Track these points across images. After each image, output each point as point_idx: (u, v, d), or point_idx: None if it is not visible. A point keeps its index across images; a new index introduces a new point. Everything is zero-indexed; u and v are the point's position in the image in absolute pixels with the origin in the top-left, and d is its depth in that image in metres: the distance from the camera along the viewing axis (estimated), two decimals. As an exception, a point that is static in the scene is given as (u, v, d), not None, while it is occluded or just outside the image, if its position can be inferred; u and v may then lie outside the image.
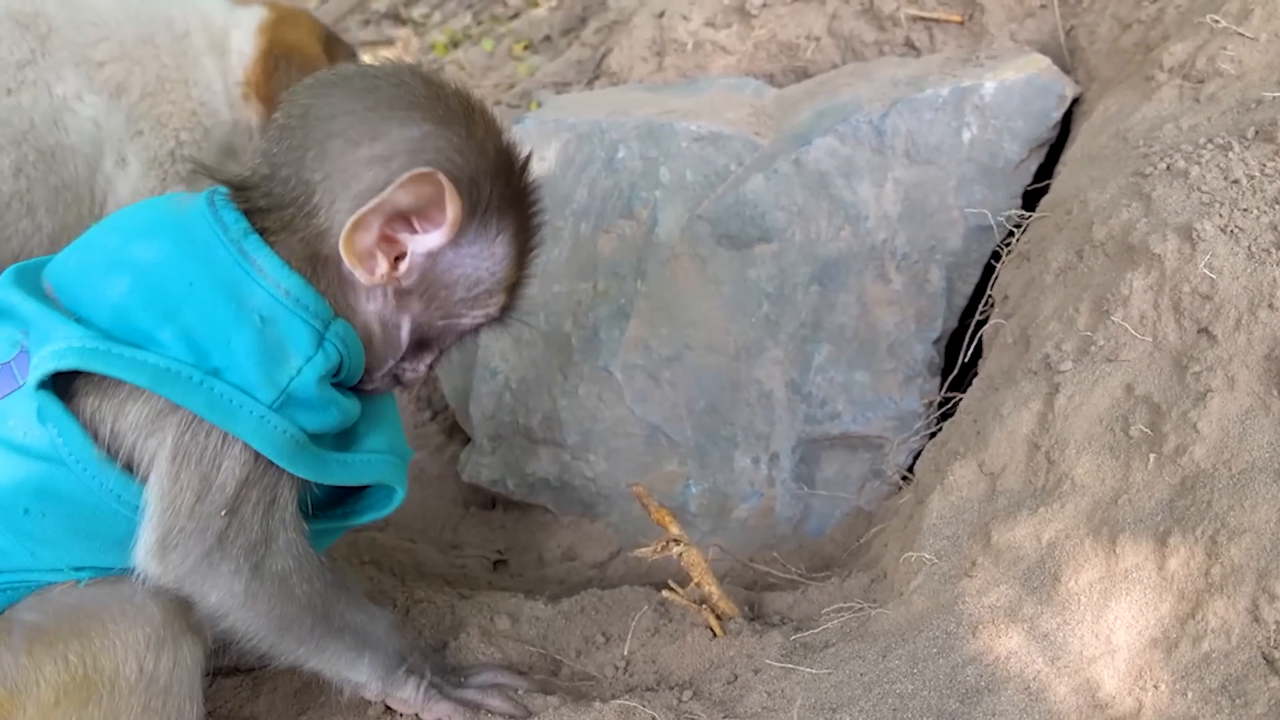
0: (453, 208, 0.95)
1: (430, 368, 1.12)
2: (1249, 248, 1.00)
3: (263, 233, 0.98)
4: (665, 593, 1.21)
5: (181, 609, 1.01)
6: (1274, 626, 0.83)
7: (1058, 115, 1.54)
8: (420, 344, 1.08)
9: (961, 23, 1.76)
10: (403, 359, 1.08)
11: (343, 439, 1.06)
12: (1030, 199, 1.53)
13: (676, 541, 1.20)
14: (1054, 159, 1.56)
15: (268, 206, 0.99)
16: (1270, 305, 0.95)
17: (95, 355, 0.90)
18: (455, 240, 0.99)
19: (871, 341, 1.56)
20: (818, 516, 1.57)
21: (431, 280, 1.01)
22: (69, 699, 0.98)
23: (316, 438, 1.00)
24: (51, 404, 0.92)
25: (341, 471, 1.03)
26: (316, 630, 1.04)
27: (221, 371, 0.92)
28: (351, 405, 1.05)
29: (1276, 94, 1.15)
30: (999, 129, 1.54)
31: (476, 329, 1.09)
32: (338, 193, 0.96)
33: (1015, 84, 1.55)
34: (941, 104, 1.56)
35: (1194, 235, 1.02)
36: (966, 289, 1.54)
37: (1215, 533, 0.88)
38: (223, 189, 1.01)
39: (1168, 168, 1.12)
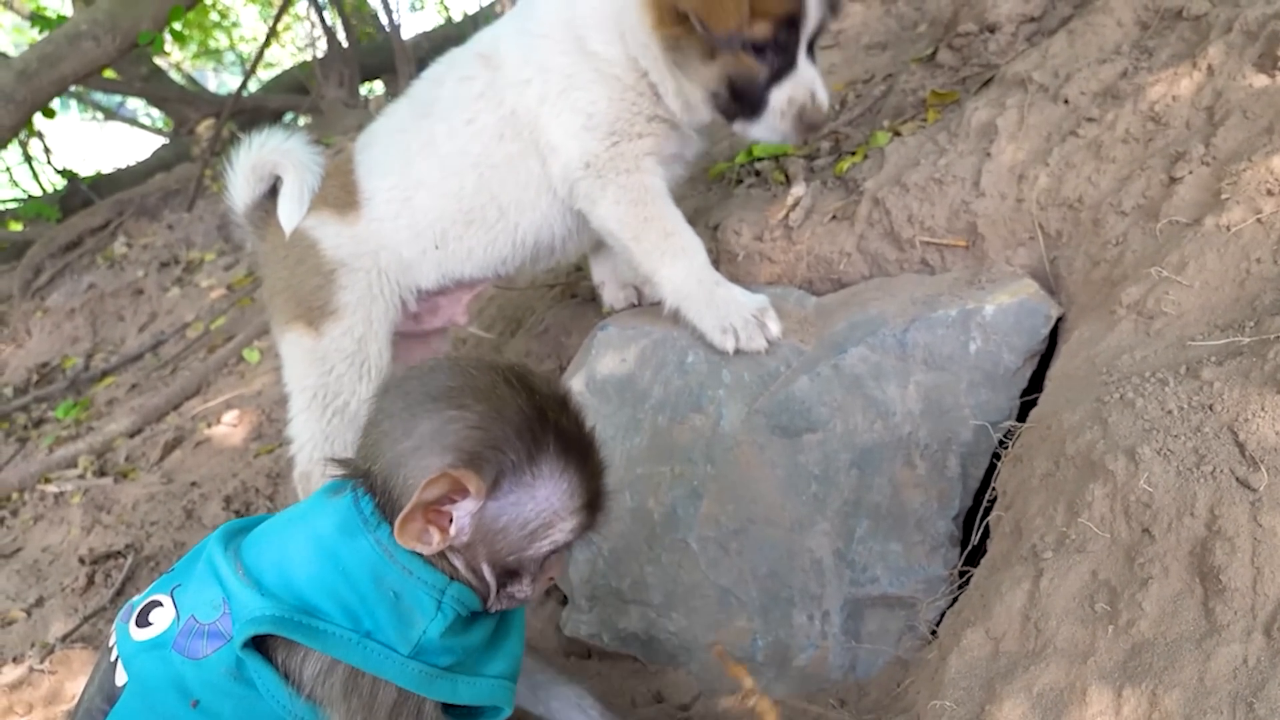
0: (472, 484, 1.26)
1: (535, 585, 1.42)
2: (1177, 467, 1.34)
3: (384, 515, 1.33)
4: (746, 732, 1.54)
5: None
6: (1196, 758, 1.15)
7: (1045, 332, 1.91)
8: (508, 573, 1.38)
9: (966, 246, 2.15)
10: (504, 588, 1.40)
11: (476, 659, 1.41)
12: (1030, 395, 1.88)
13: (752, 693, 1.53)
14: (1045, 364, 1.92)
15: (375, 493, 1.35)
16: (1192, 514, 1.29)
17: (283, 624, 1.29)
18: (492, 496, 1.29)
19: (902, 517, 1.90)
20: (864, 664, 1.89)
21: (484, 531, 1.32)
22: None
23: (450, 666, 1.36)
24: (254, 658, 1.31)
25: (467, 692, 1.39)
26: None
27: (373, 633, 1.32)
28: (476, 637, 1.40)
29: (1201, 340, 1.51)
30: (999, 342, 1.91)
31: (558, 550, 1.37)
32: (396, 482, 1.31)
33: (1010, 306, 1.92)
34: (951, 322, 1.93)
35: (1137, 456, 1.37)
36: (978, 474, 1.88)
37: (1155, 687, 1.21)
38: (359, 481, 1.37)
39: (1120, 398, 1.48)
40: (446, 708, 1.40)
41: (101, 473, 3.62)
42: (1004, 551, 1.52)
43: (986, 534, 1.72)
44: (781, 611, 1.93)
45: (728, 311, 2.03)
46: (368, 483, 1.36)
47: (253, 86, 12.28)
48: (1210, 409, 1.38)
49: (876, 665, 1.88)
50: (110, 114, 12.07)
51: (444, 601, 1.33)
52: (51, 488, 3.56)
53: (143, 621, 1.40)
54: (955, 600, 1.68)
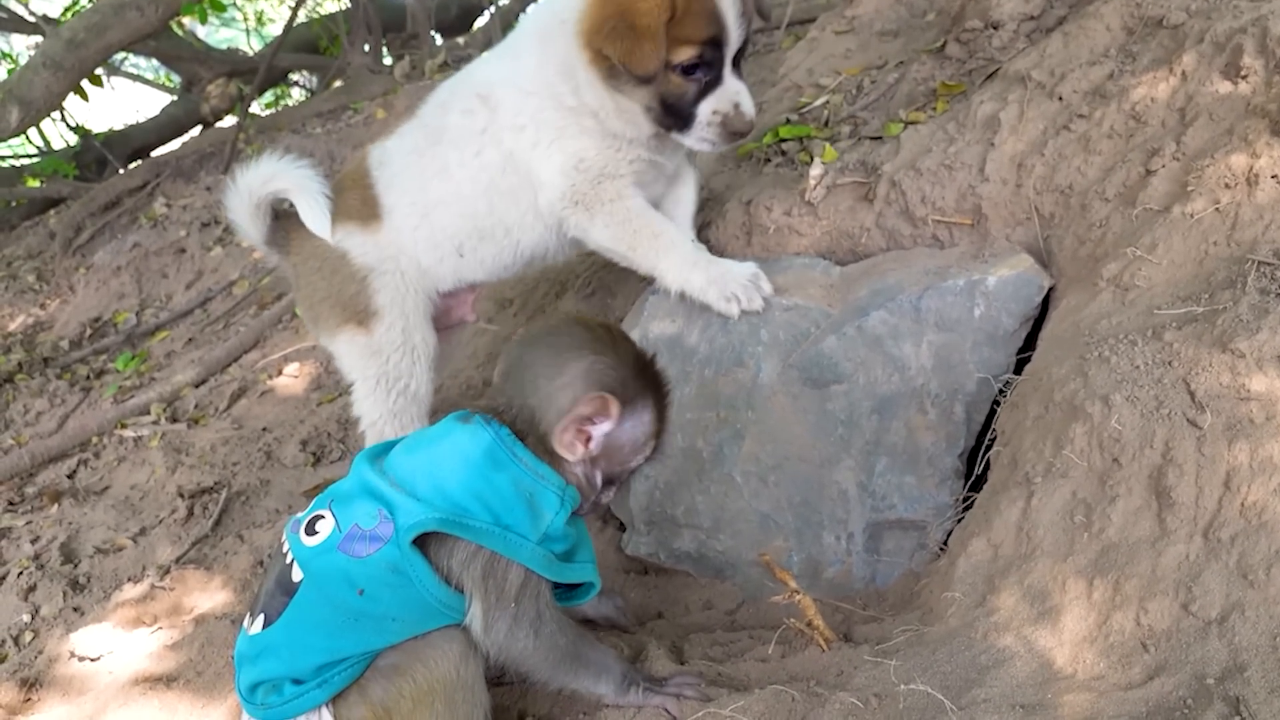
0: (614, 407, 1.69)
1: (612, 494, 1.85)
2: (1141, 411, 1.70)
3: (517, 435, 1.71)
4: (790, 620, 1.90)
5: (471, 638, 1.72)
6: (1148, 629, 1.51)
7: (1038, 300, 2.25)
8: (607, 482, 1.82)
9: (972, 224, 2.48)
10: (601, 493, 1.82)
11: (568, 555, 1.80)
12: (1025, 353, 2.24)
13: (796, 592, 1.90)
14: (1038, 327, 2.26)
15: (515, 420, 1.73)
16: (1151, 446, 1.65)
17: (444, 523, 1.65)
18: (619, 422, 1.72)
19: (916, 455, 2.26)
20: (882, 575, 2.26)
21: (609, 447, 1.76)
22: (420, 704, 1.72)
23: (558, 556, 1.74)
24: (413, 553, 1.66)
25: (570, 574, 1.78)
26: (574, 665, 1.77)
27: (511, 526, 1.67)
28: (575, 531, 1.79)
29: (1165, 309, 1.86)
30: (999, 308, 2.25)
31: (640, 466, 1.83)
32: (547, 409, 1.71)
33: (1009, 278, 2.26)
34: (959, 290, 2.27)
35: (1110, 402, 1.73)
36: (980, 419, 2.24)
37: (1118, 578, 1.57)
38: (487, 414, 1.74)
39: (1098, 355, 1.83)
40: (556, 588, 1.76)
41: (174, 419, 3.96)
42: (1003, 479, 1.89)
43: (987, 468, 2.08)
44: (813, 533, 2.29)
45: (726, 282, 2.38)
46: (505, 414, 1.71)
47: (257, 45, 12.46)
48: (1169, 364, 1.74)
49: (892, 576, 2.25)
50: (114, 70, 12.25)
51: (564, 498, 1.70)
52: (129, 432, 3.90)
53: (310, 531, 1.75)
54: (960, 522, 2.04)
